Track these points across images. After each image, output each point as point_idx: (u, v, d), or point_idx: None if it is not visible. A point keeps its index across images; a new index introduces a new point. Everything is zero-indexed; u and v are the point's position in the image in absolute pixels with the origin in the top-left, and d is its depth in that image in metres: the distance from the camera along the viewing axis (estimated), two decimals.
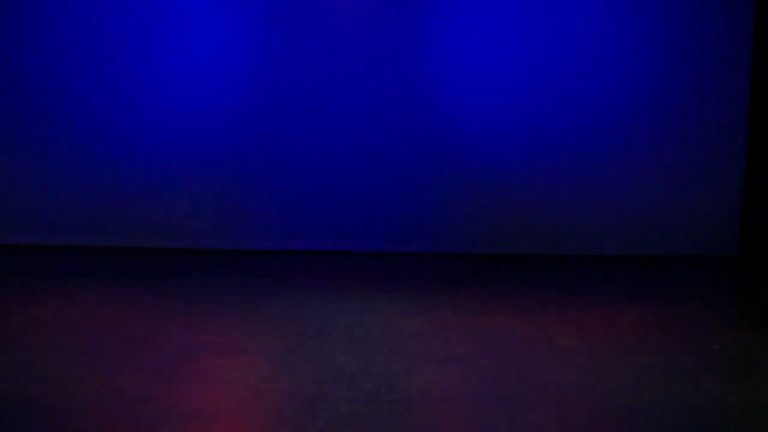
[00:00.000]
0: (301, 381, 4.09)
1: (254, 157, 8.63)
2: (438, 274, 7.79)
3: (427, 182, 8.64)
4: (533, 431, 3.56)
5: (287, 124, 8.62)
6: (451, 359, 4.56)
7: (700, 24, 8.38)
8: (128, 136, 8.59)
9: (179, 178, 8.61)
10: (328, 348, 4.75)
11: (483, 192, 8.60)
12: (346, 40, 8.61)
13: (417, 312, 5.82)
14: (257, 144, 8.63)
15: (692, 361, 4.63)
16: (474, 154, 8.57)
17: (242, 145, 8.62)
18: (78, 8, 8.41)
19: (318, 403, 3.75)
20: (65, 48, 8.42)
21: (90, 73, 8.49)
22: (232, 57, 8.63)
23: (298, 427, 3.45)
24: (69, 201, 8.59)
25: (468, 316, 5.71)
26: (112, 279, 7.09)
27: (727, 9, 8.35)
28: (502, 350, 4.79)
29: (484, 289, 6.92)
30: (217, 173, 8.62)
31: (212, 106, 8.60)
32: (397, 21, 8.58)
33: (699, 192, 8.44)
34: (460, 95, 8.56)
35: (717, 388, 4.10)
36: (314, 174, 8.65)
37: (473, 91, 8.54)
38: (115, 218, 8.55)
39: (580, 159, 8.51)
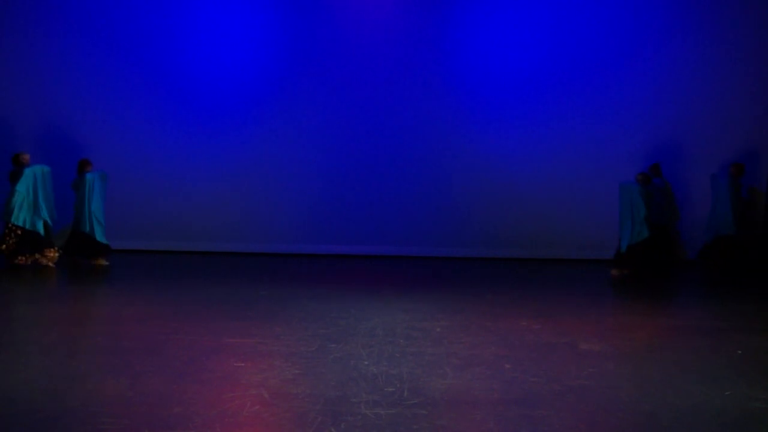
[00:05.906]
0: (323, 383, 4.10)
1: (279, 163, 8.68)
2: (460, 277, 7.78)
3: (452, 189, 8.67)
4: None
5: (313, 130, 8.68)
6: (473, 362, 4.55)
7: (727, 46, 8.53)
8: (150, 144, 8.68)
9: (202, 182, 8.66)
10: (350, 351, 4.76)
11: (507, 199, 8.64)
12: (369, 47, 8.65)
13: (439, 315, 5.81)
14: (281, 149, 8.67)
15: (716, 366, 4.59)
16: (497, 164, 8.62)
17: (266, 151, 8.67)
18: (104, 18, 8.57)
19: (341, 406, 3.75)
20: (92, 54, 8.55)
21: (98, 76, 8.64)
22: (262, 69, 8.71)
23: (321, 429, 3.45)
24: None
25: (491, 319, 5.70)
26: (134, 281, 7.13)
27: (746, 43, 8.48)
28: (525, 353, 4.77)
29: (506, 292, 6.90)
30: (241, 178, 8.67)
31: (236, 113, 8.67)
32: (423, 31, 8.66)
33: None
34: (489, 109, 8.67)
35: (741, 393, 4.07)
36: (339, 179, 8.68)
37: (502, 107, 8.66)
38: (135, 221, 8.61)
39: (600, 170, 8.57)
